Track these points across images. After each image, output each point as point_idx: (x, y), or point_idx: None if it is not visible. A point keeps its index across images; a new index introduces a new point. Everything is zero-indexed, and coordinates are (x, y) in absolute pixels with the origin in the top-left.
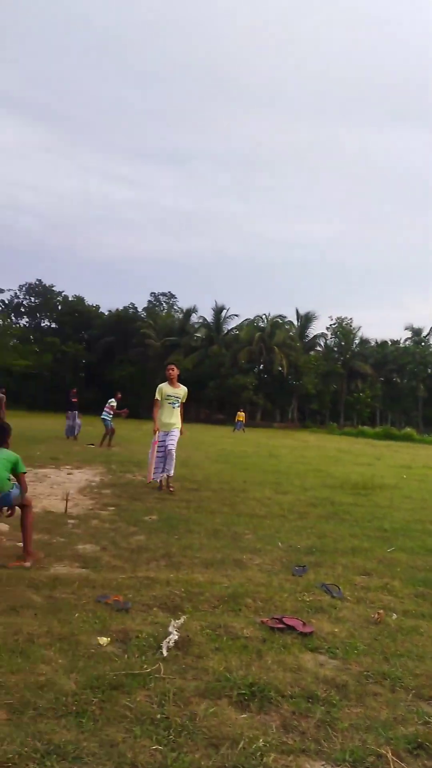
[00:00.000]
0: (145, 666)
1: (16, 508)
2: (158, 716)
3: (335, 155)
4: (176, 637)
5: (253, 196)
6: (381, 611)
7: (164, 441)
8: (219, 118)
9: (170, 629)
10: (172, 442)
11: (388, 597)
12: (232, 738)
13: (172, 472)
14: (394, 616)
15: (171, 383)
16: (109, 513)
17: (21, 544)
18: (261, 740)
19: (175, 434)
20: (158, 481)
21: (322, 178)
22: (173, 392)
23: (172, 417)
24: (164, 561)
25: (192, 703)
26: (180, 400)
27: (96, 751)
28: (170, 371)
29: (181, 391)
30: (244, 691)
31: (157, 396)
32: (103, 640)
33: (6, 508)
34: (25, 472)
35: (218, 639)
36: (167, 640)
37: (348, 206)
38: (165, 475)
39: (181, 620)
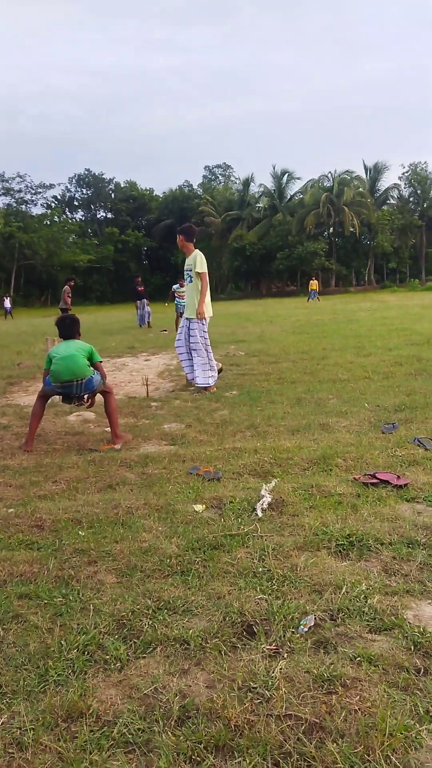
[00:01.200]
0: (243, 527)
1: (96, 399)
2: (260, 569)
3: None
4: (269, 498)
5: (304, 40)
6: None
7: (182, 334)
8: None
9: (263, 492)
10: (193, 337)
11: None
12: (335, 584)
13: (199, 380)
14: None
15: (186, 253)
16: (189, 393)
17: (109, 429)
18: (364, 584)
19: (195, 325)
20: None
21: (378, 11)
22: (186, 263)
23: (189, 296)
24: (250, 432)
25: (292, 556)
26: (194, 270)
27: (204, 603)
28: (178, 240)
29: (191, 258)
30: (342, 542)
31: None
32: (199, 507)
33: (86, 397)
34: (101, 361)
35: (311, 498)
36: (261, 502)
37: (409, 37)
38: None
39: (273, 483)
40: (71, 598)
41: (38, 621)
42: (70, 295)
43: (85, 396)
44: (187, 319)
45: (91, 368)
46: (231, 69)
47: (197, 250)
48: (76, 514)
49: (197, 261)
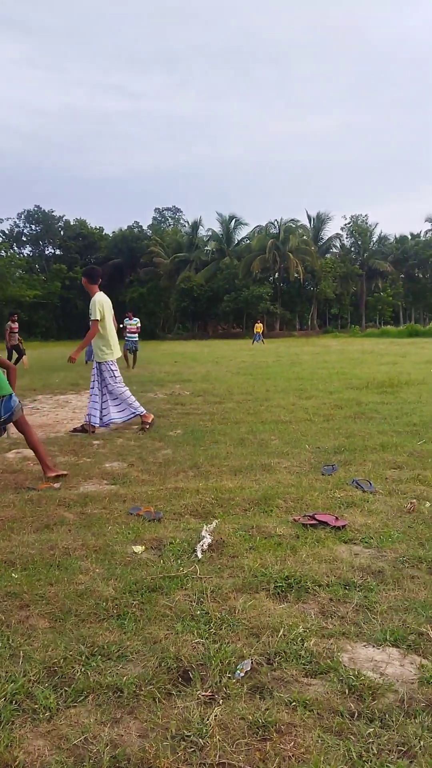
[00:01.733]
0: (182, 569)
1: (7, 429)
2: (198, 612)
3: (336, 40)
4: (210, 540)
5: (253, 93)
6: (414, 501)
7: (95, 378)
8: (209, 10)
9: (203, 533)
10: (104, 380)
11: (421, 487)
12: (272, 627)
13: (115, 417)
14: (428, 504)
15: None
16: (133, 431)
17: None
18: (301, 627)
19: (103, 367)
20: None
21: (324, 68)
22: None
23: (94, 340)
24: (192, 471)
25: (230, 598)
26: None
27: (140, 648)
28: (83, 281)
29: (90, 303)
30: (280, 584)
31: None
32: (138, 549)
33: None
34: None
35: (252, 539)
36: (201, 543)
37: (353, 96)
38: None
39: (214, 524)
40: (0, 644)
41: None
42: (15, 330)
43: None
44: (96, 362)
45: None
46: (181, 116)
47: (97, 294)
48: (10, 555)
49: (91, 308)
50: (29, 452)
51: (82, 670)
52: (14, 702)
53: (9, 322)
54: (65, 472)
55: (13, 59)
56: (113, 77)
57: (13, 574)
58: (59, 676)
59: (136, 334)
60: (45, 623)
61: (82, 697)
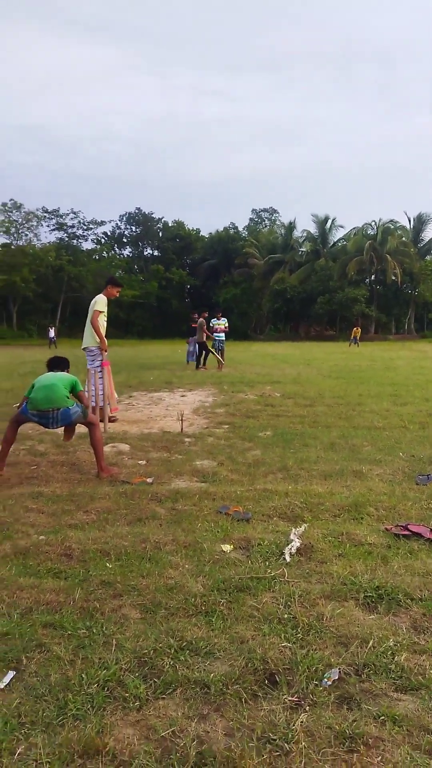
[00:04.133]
0: (269, 570)
1: (74, 430)
2: (285, 616)
3: None
4: (298, 543)
5: (355, 94)
6: None
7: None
8: (311, 11)
9: (292, 536)
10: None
11: None
12: (362, 637)
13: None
14: None
15: None
16: (223, 431)
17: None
18: (391, 640)
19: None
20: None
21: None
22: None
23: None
24: (281, 474)
25: (318, 604)
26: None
27: (227, 647)
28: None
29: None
30: (371, 594)
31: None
32: (227, 547)
33: (62, 429)
34: (82, 390)
35: (341, 545)
36: (289, 546)
37: None
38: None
39: (302, 528)
40: (95, 631)
41: (61, 652)
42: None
43: (60, 426)
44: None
45: (72, 399)
46: (280, 119)
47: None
48: (105, 545)
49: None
50: (124, 446)
51: (171, 663)
52: (106, 689)
53: (201, 318)
54: (117, 470)
55: (118, 65)
56: (214, 82)
57: (108, 564)
58: (149, 667)
59: (224, 334)
60: (136, 614)
61: (171, 690)
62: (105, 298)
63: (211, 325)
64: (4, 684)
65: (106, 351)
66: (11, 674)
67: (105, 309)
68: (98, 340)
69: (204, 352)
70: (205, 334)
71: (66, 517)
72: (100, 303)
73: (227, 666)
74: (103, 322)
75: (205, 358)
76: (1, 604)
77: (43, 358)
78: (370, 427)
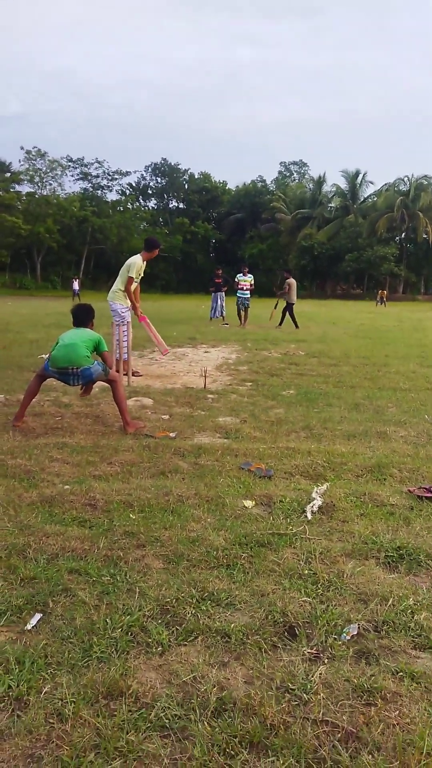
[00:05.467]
0: (291, 527)
1: (92, 387)
2: (306, 572)
3: None
4: (320, 502)
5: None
6: None
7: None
8: None
9: (314, 495)
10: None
11: None
12: (381, 595)
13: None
14: None
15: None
16: (246, 388)
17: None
18: (411, 599)
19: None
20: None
21: None
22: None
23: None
24: (304, 433)
25: (339, 561)
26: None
27: (247, 599)
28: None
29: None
30: (391, 554)
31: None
32: (248, 503)
33: (81, 386)
34: (107, 351)
35: (363, 505)
36: (311, 504)
37: None
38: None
39: (324, 487)
40: (118, 578)
41: (86, 597)
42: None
43: (81, 384)
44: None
45: (91, 358)
46: (313, 67)
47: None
48: (128, 497)
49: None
50: (148, 400)
51: (193, 612)
52: (130, 633)
53: (289, 278)
54: (143, 424)
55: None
56: (247, 26)
57: (131, 515)
58: (171, 615)
59: (249, 291)
60: (159, 564)
61: (192, 638)
62: (141, 263)
63: (236, 280)
64: (32, 626)
65: (139, 313)
66: (38, 616)
67: (141, 274)
68: (128, 302)
69: (289, 313)
70: (294, 295)
71: (90, 468)
72: (135, 268)
73: (248, 617)
74: (135, 284)
75: (285, 319)
76: (29, 549)
77: (67, 310)
78: (395, 388)
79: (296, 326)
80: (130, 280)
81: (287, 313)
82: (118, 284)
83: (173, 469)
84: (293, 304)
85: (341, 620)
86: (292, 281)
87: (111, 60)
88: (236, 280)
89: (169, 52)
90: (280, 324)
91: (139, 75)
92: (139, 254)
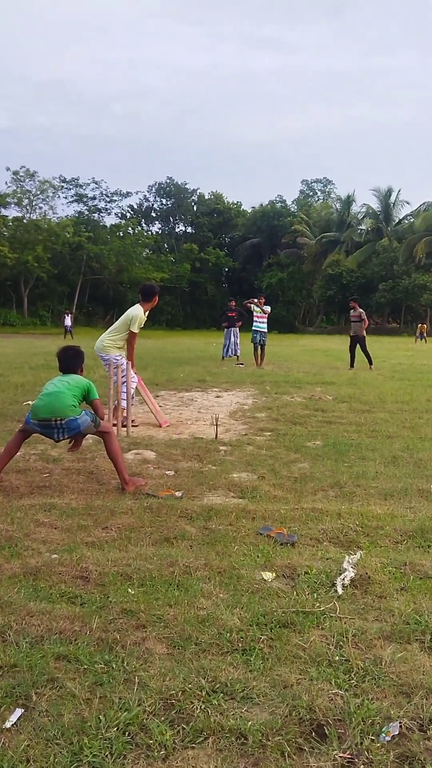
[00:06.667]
0: (318, 604)
1: (82, 440)
2: (336, 658)
3: None
4: (352, 574)
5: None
6: None
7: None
8: None
9: (345, 565)
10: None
11: None
12: (427, 687)
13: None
14: None
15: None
16: (265, 438)
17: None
18: None
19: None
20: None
21: None
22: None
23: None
24: (333, 491)
25: (376, 646)
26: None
27: (267, 691)
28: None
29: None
30: None
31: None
32: (268, 576)
33: (69, 441)
34: (97, 398)
35: (403, 578)
36: (342, 577)
37: None
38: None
39: (358, 556)
40: (114, 666)
41: (75, 689)
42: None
43: (68, 437)
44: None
45: (79, 408)
46: (339, 72)
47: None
48: (127, 568)
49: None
50: (150, 453)
51: (202, 707)
52: (127, 733)
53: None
54: (143, 481)
55: (154, 14)
56: (265, 29)
57: (130, 590)
58: (176, 711)
59: (265, 324)
60: (162, 649)
61: (201, 739)
62: (143, 315)
63: (251, 310)
64: (11, 723)
65: (133, 367)
66: (19, 712)
67: (141, 326)
68: (126, 353)
69: (362, 347)
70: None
71: (82, 533)
72: (137, 321)
73: (267, 714)
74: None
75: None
76: (9, 631)
77: (58, 349)
78: None
79: (370, 363)
80: (133, 335)
81: (358, 348)
82: (115, 338)
83: (179, 535)
84: (363, 337)
85: (379, 717)
86: (361, 311)
87: (113, 68)
88: (251, 310)
89: (178, 58)
90: (352, 365)
91: (143, 83)
92: (137, 304)
